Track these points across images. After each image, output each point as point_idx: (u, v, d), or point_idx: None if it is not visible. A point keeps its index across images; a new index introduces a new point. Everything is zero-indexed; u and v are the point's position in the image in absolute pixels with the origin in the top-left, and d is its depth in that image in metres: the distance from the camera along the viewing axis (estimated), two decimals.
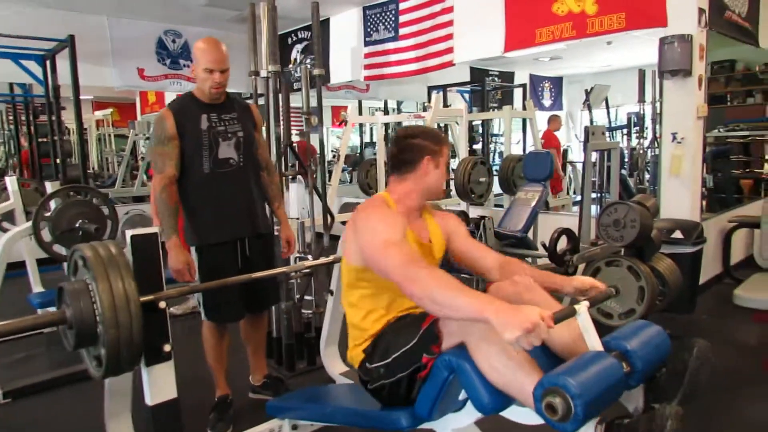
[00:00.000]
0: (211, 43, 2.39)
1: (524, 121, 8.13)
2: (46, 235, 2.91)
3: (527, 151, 5.44)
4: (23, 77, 5.55)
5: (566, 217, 5.05)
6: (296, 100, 3.60)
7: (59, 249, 2.96)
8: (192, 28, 6.86)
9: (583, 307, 1.45)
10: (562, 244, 3.37)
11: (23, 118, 6.75)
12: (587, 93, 10.15)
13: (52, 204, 2.99)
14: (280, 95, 2.97)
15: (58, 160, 5.59)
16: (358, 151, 10.88)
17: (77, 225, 2.87)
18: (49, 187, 3.28)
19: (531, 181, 4.10)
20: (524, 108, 7.00)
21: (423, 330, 1.59)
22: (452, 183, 4.91)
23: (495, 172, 5.34)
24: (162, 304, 1.78)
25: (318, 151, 3.49)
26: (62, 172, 5.54)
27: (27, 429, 2.77)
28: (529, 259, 4.03)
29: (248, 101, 2.65)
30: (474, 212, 5.14)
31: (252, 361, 2.82)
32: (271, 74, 2.90)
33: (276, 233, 2.79)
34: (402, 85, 8.51)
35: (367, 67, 6.13)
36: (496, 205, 6.11)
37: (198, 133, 2.37)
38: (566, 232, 3.33)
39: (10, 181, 3.71)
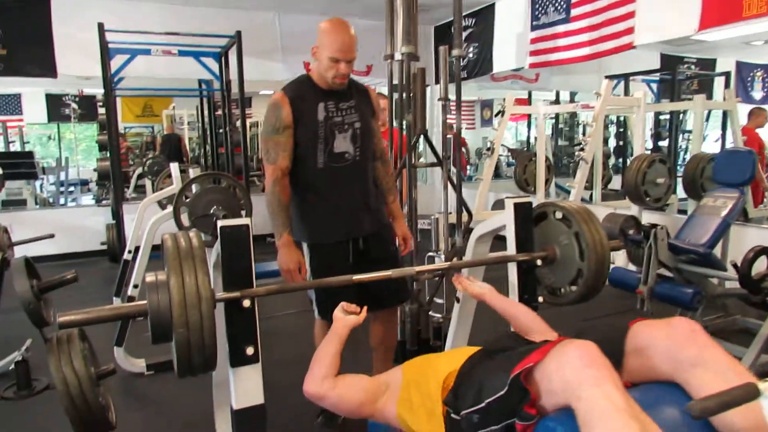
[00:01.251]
0: (340, 26, 2.14)
1: (724, 115, 6.94)
2: (187, 220, 2.98)
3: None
4: (206, 74, 6.01)
5: None
6: (468, 92, 3.30)
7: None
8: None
9: None
10: (762, 266, 2.66)
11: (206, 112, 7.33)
12: None
13: (194, 190, 3.05)
14: (415, 80, 2.69)
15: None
16: (526, 146, 10.26)
17: (211, 211, 2.88)
18: (192, 173, 3.39)
19: (723, 185, 3.33)
20: (723, 99, 5.91)
21: (511, 379, 1.19)
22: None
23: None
24: (246, 303, 1.62)
25: (454, 143, 3.16)
26: (231, 161, 5.89)
27: (166, 400, 2.96)
28: (715, 280, 3.29)
29: (368, 85, 2.41)
30: (648, 218, 4.42)
31: (376, 366, 2.56)
32: (404, 56, 2.64)
33: None
34: (576, 74, 7.77)
35: (533, 53, 5.62)
36: (680, 211, 5.25)
37: (314, 125, 2.17)
38: (767, 251, 2.61)
39: (173, 167, 3.93)
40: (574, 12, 5.14)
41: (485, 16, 6.34)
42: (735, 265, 2.93)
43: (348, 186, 2.24)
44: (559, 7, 5.30)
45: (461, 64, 2.92)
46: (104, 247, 5.95)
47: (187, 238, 1.54)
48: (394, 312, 2.56)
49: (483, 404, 1.26)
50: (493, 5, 6.20)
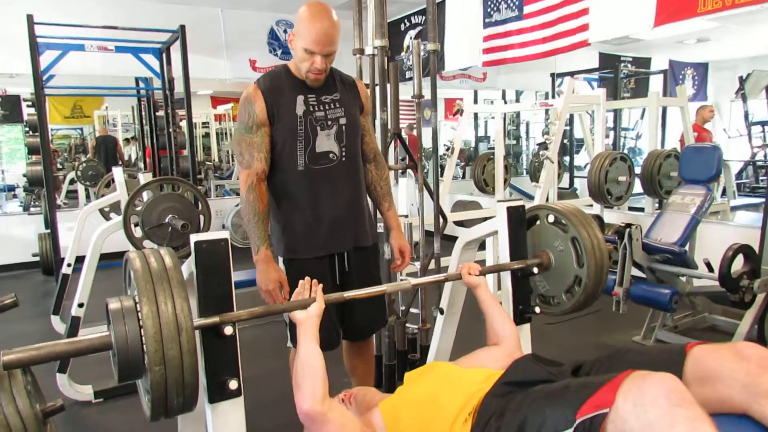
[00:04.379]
0: (318, 13, 1.84)
1: (664, 112, 7.15)
2: (139, 231, 2.71)
3: (684, 146, 4.54)
4: (145, 71, 5.62)
5: (735, 229, 4.15)
6: (406, 91, 3.18)
7: (151, 245, 2.75)
8: None
9: None
10: (737, 265, 2.66)
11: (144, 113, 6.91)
12: (742, 81, 8.87)
13: (145, 197, 2.78)
14: (388, 76, 2.54)
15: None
16: (472, 145, 10.30)
17: (167, 220, 2.63)
18: (142, 179, 3.10)
19: (690, 182, 3.35)
20: (669, 95, 6.05)
21: (579, 423, 1.02)
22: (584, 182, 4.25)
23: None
24: (228, 330, 1.41)
25: (432, 144, 3.03)
26: (175, 164, 5.54)
27: (118, 429, 2.68)
28: (683, 278, 3.30)
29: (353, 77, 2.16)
30: (610, 216, 4.44)
31: None
32: (377, 50, 2.47)
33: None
34: (522, 72, 7.85)
35: (487, 51, 5.56)
36: (630, 208, 5.32)
37: (292, 121, 1.90)
38: (744, 249, 2.61)
39: (116, 172, 3.61)
40: (527, 9, 5.11)
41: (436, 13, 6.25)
42: (708, 263, 2.93)
43: (332, 192, 1.99)
44: (511, 5, 5.27)
45: (408, 64, 2.76)
46: (36, 258, 5.49)
47: (158, 257, 1.33)
48: (371, 339, 2.33)
49: None
50: (443, 2, 6.12)
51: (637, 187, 4.52)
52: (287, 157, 1.94)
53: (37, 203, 6.84)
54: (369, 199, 2.22)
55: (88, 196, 7.20)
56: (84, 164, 7.11)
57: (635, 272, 3.15)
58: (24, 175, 6.54)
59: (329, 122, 1.95)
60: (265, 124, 1.91)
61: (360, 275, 2.05)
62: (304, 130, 1.92)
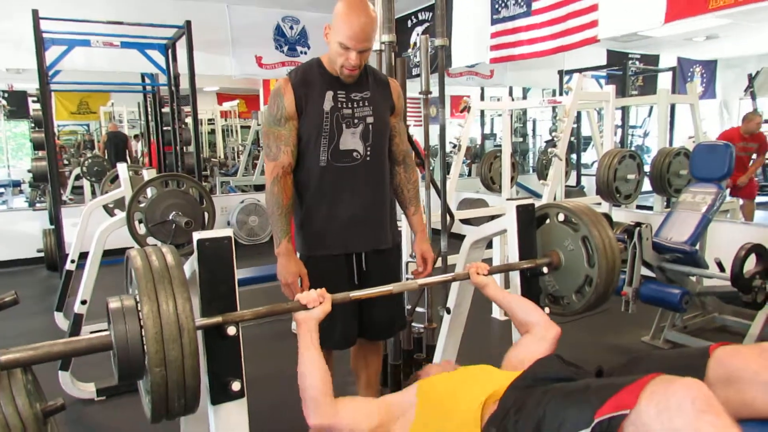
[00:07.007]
0: (356, 7, 1.81)
1: (672, 111, 7.08)
2: (142, 227, 2.69)
3: (695, 144, 4.42)
4: (151, 67, 5.61)
5: (747, 228, 4.10)
6: (413, 89, 3.12)
7: (154, 242, 2.73)
8: (309, 14, 6.65)
9: None
10: (749, 265, 2.61)
11: (150, 109, 6.90)
12: (751, 78, 8.78)
13: (149, 193, 2.75)
14: (395, 72, 2.50)
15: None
16: (478, 143, 10.25)
17: (170, 217, 2.60)
18: (146, 175, 3.07)
19: (701, 180, 3.29)
20: (678, 92, 5.98)
21: (597, 423, 0.98)
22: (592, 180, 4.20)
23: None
24: (231, 330, 1.38)
25: (439, 142, 3.00)
26: (180, 160, 5.52)
27: (120, 428, 2.67)
28: (693, 278, 3.25)
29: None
30: (618, 215, 4.39)
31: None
32: (385, 46, 2.44)
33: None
34: (530, 70, 7.80)
35: (494, 47, 5.51)
36: (639, 207, 5.27)
37: (318, 116, 1.87)
38: (757, 249, 2.56)
39: (121, 168, 3.58)
40: (535, 5, 5.04)
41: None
42: (719, 263, 2.89)
43: (353, 190, 1.95)
44: (520, 1, 5.21)
45: (415, 60, 2.70)
46: (41, 254, 5.48)
47: (160, 255, 1.30)
48: (380, 344, 2.29)
49: None
50: None
51: (646, 185, 4.48)
52: (311, 153, 1.91)
53: (42, 199, 6.85)
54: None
55: (93, 192, 7.20)
56: (90, 160, 7.12)
57: (645, 272, 3.11)
58: (29, 171, 6.54)
59: (356, 120, 1.92)
60: (293, 118, 1.89)
61: (379, 276, 1.99)
62: (329, 126, 1.89)
